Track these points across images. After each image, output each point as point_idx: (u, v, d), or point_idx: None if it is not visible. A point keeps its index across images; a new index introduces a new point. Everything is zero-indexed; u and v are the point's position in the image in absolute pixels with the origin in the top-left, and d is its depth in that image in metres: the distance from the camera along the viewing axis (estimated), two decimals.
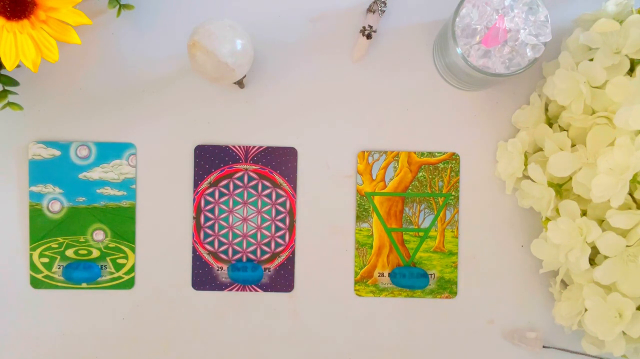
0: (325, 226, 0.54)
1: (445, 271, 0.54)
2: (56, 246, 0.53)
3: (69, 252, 0.53)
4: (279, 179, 0.54)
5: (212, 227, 0.54)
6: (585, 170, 0.45)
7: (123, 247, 0.54)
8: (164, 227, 0.54)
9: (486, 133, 0.54)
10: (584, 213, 0.46)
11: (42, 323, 0.54)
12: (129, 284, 0.54)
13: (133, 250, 0.54)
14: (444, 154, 0.54)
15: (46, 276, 0.54)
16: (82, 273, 0.53)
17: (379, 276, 0.54)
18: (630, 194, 0.45)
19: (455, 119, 0.54)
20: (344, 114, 0.53)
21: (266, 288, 0.54)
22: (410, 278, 0.54)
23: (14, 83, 0.51)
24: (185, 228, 0.54)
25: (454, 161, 0.54)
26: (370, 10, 0.52)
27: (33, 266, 0.53)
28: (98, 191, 0.53)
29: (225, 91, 0.53)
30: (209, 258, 0.54)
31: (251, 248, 0.54)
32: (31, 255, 0.53)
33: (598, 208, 0.46)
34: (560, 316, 0.49)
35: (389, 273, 0.54)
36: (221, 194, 0.54)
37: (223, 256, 0.54)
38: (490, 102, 0.54)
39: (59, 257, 0.53)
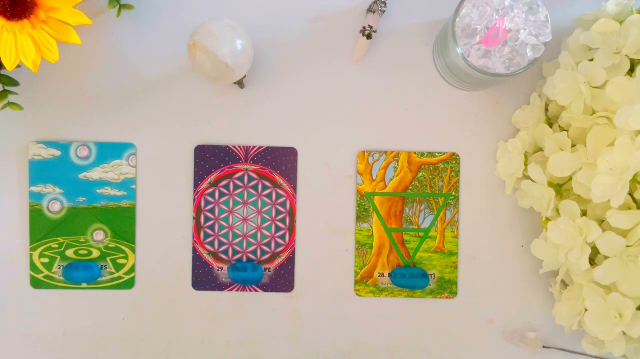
0: (325, 226, 0.54)
1: (445, 271, 0.54)
2: (56, 246, 0.53)
3: (69, 253, 0.53)
4: (279, 179, 0.54)
5: (212, 227, 0.54)
6: (585, 170, 0.45)
7: (123, 247, 0.54)
8: (164, 227, 0.54)
9: (486, 133, 0.54)
10: (584, 213, 0.46)
11: (42, 323, 0.54)
12: (129, 284, 0.54)
13: (133, 250, 0.54)
14: (444, 154, 0.54)
15: (46, 276, 0.54)
16: (82, 272, 0.53)
17: (379, 276, 0.54)
18: (630, 194, 0.45)
19: (455, 119, 0.54)
20: (344, 114, 0.53)
21: (266, 288, 0.54)
22: (410, 278, 0.54)
23: (14, 83, 0.51)
24: (185, 228, 0.54)
25: (454, 161, 0.54)
26: (370, 10, 0.52)
27: (33, 266, 0.53)
28: (98, 191, 0.53)
29: (225, 91, 0.53)
30: (209, 258, 0.54)
31: (251, 248, 0.54)
32: (31, 255, 0.53)
33: (598, 208, 0.46)
34: (560, 316, 0.49)
35: (389, 273, 0.54)
36: (221, 194, 0.54)
37: (223, 256, 0.54)
38: (490, 102, 0.54)
39: (59, 257, 0.53)
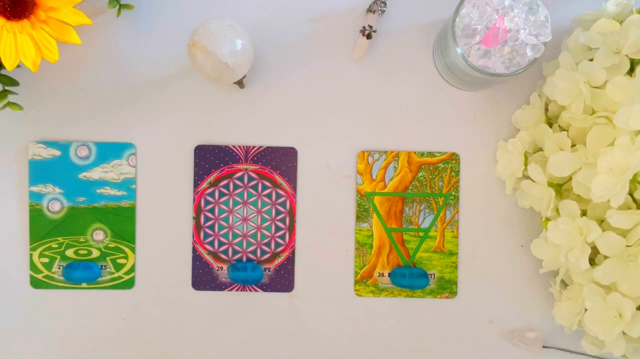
0: (325, 226, 0.54)
1: (445, 271, 0.54)
2: (56, 246, 0.53)
3: (69, 253, 0.53)
4: (279, 179, 0.54)
5: (212, 227, 0.54)
6: (585, 170, 0.45)
7: (123, 247, 0.54)
8: (164, 227, 0.54)
9: (486, 133, 0.54)
10: (584, 213, 0.46)
11: (42, 323, 0.54)
12: (129, 284, 0.54)
13: (133, 250, 0.54)
14: (444, 154, 0.54)
15: (46, 276, 0.54)
16: (82, 272, 0.53)
17: (379, 276, 0.54)
18: (630, 194, 0.45)
19: (455, 119, 0.54)
20: (344, 114, 0.53)
21: (266, 288, 0.54)
22: (410, 278, 0.54)
23: (14, 83, 0.51)
24: (185, 228, 0.54)
25: (454, 161, 0.54)
26: (370, 10, 0.52)
27: (33, 266, 0.53)
28: (98, 191, 0.53)
29: (225, 91, 0.53)
30: (209, 258, 0.54)
31: (251, 248, 0.54)
32: (31, 255, 0.53)
33: (598, 208, 0.46)
34: (560, 316, 0.49)
35: (389, 273, 0.54)
36: (221, 194, 0.54)
37: (223, 256, 0.54)
38: (490, 102, 0.54)
39: (59, 257, 0.53)
